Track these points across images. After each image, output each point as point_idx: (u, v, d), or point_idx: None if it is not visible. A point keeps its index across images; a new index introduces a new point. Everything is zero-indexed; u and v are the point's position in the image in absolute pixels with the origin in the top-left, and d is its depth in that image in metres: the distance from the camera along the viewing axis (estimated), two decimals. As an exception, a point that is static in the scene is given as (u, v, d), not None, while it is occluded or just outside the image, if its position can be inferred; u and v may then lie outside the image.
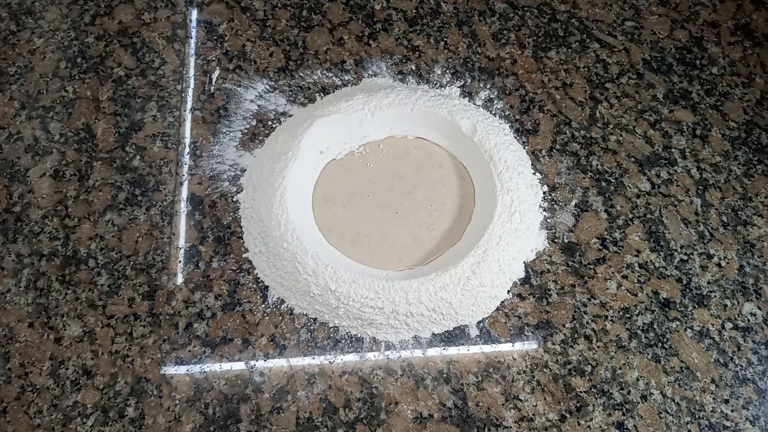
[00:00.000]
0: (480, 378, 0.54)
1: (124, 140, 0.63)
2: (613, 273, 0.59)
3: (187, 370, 0.53)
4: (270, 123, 0.64)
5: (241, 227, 0.59)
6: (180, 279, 0.56)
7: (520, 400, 0.53)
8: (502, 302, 0.57)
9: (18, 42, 0.68)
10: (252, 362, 0.53)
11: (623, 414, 0.53)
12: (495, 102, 0.66)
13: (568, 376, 0.54)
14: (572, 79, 0.69)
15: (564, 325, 0.56)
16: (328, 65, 0.67)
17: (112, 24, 0.69)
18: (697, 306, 0.58)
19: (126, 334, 0.54)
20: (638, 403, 0.54)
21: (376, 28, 0.70)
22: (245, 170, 0.61)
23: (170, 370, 0.53)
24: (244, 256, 0.57)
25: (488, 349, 0.55)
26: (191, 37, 0.69)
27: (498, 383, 0.53)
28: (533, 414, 0.53)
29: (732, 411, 0.54)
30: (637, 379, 0.54)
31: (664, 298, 0.58)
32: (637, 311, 0.57)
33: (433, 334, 0.55)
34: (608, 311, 0.57)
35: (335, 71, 0.67)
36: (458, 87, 0.67)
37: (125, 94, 0.65)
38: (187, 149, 0.62)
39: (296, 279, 0.54)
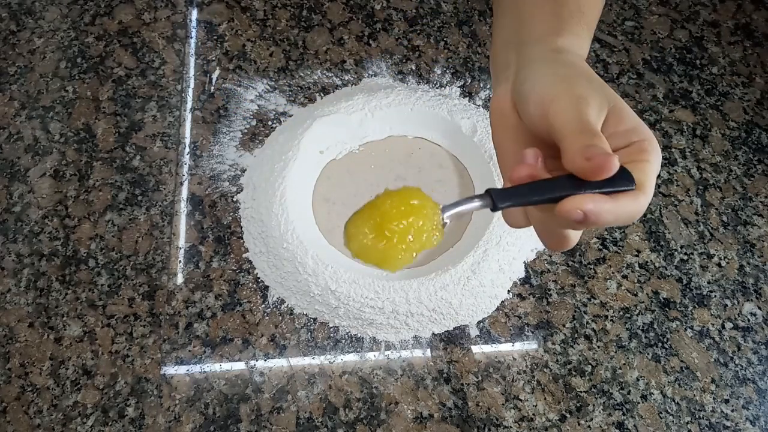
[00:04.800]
0: (480, 378, 0.54)
1: (124, 140, 0.63)
2: (613, 273, 0.59)
3: (187, 370, 0.53)
4: (270, 123, 0.64)
5: (241, 227, 0.58)
6: (180, 279, 0.56)
7: (520, 400, 0.53)
8: (502, 302, 0.57)
9: (18, 42, 0.68)
10: (252, 362, 0.53)
11: (623, 414, 0.53)
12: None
13: (568, 375, 0.54)
14: (572, 79, 0.69)
15: (564, 325, 0.56)
16: (328, 65, 0.67)
17: (112, 24, 0.69)
18: (697, 306, 0.58)
19: (126, 334, 0.54)
20: (638, 402, 0.54)
21: (376, 28, 0.70)
22: (245, 170, 0.61)
23: (170, 370, 0.53)
24: (244, 256, 0.57)
25: (488, 349, 0.55)
26: (191, 37, 0.69)
27: (498, 383, 0.53)
28: (533, 414, 0.52)
29: (732, 411, 0.54)
30: (637, 379, 0.54)
31: (664, 298, 0.58)
32: (637, 311, 0.57)
33: (434, 333, 0.55)
34: (608, 311, 0.57)
35: (335, 71, 0.67)
36: (458, 87, 0.67)
37: (125, 94, 0.65)
38: (187, 149, 0.62)
39: (296, 279, 0.54)
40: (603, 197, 0.27)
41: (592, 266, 0.59)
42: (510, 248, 0.56)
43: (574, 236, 0.31)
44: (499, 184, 0.58)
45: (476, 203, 0.29)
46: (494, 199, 0.28)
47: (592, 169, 0.27)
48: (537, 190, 0.28)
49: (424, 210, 0.31)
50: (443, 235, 0.31)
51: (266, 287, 0.56)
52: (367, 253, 0.31)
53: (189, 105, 0.65)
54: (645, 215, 0.62)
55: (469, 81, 0.67)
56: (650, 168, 0.29)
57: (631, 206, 0.28)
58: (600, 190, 0.28)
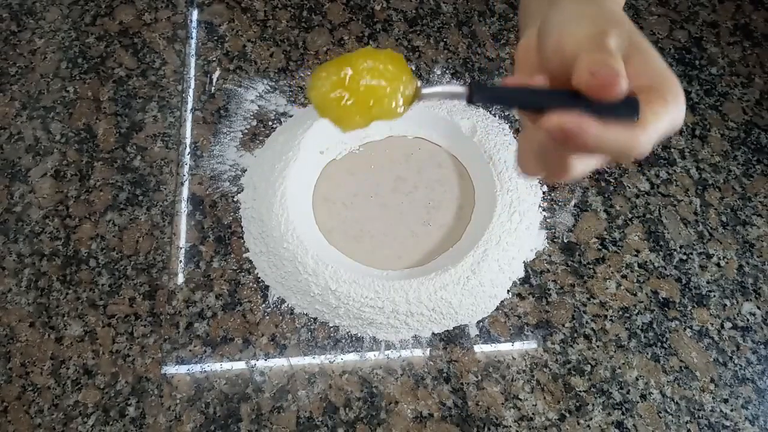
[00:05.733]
0: (480, 377, 0.54)
1: (125, 140, 0.63)
2: (612, 273, 0.59)
3: (188, 370, 0.53)
4: (270, 123, 0.64)
5: (242, 227, 0.59)
6: (181, 279, 0.57)
7: (520, 400, 0.53)
8: (502, 302, 0.57)
9: (19, 42, 0.68)
10: (252, 362, 0.53)
11: (623, 413, 0.53)
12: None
13: (567, 375, 0.54)
14: (572, 80, 0.69)
15: (563, 325, 0.56)
16: (328, 65, 0.68)
17: (113, 24, 0.70)
18: (696, 305, 0.58)
19: (127, 333, 0.54)
20: (637, 402, 0.54)
21: (376, 28, 0.70)
22: (246, 170, 0.61)
23: (171, 369, 0.53)
24: (244, 255, 0.58)
25: (488, 348, 0.55)
26: (192, 38, 0.69)
27: (498, 383, 0.54)
28: (533, 413, 0.53)
29: (731, 410, 0.54)
30: (637, 379, 0.55)
31: (663, 298, 0.58)
32: (637, 311, 0.57)
33: (433, 333, 0.55)
34: (608, 311, 0.57)
35: (335, 71, 0.67)
36: (458, 87, 0.67)
37: (126, 94, 0.66)
38: (188, 149, 0.63)
39: (297, 279, 0.54)
40: (591, 119, 0.25)
41: (591, 266, 0.59)
42: (509, 248, 0.56)
43: (577, 167, 0.28)
44: (498, 184, 0.58)
45: (455, 89, 0.28)
46: (473, 90, 0.27)
47: (597, 85, 0.25)
48: (523, 94, 0.27)
49: (398, 79, 0.29)
50: (407, 111, 0.30)
51: (266, 287, 0.56)
52: (325, 105, 0.30)
53: (189, 105, 0.65)
54: (644, 215, 0.62)
55: (469, 81, 0.67)
56: (661, 109, 0.26)
57: (623, 136, 0.25)
58: (598, 114, 0.25)
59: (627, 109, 0.25)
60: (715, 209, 0.63)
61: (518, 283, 0.58)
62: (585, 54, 0.26)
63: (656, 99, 0.27)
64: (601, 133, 0.25)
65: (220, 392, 0.52)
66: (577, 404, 0.53)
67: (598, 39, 0.26)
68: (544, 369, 0.54)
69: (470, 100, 0.27)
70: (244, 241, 0.58)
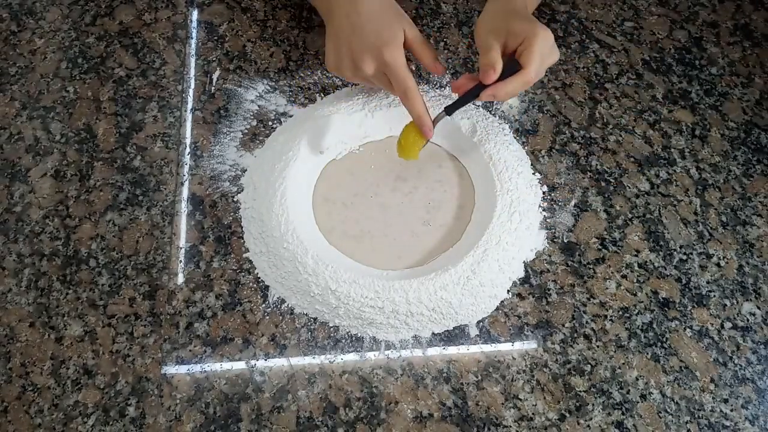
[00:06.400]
0: (480, 377, 0.54)
1: (125, 140, 0.63)
2: (612, 273, 0.59)
3: (188, 370, 0.53)
4: (270, 123, 0.64)
5: (242, 227, 0.59)
6: (181, 279, 0.57)
7: (520, 400, 0.53)
8: (502, 302, 0.57)
9: (19, 42, 0.68)
10: (252, 362, 0.53)
11: (623, 413, 0.53)
12: (495, 102, 0.67)
13: (567, 375, 0.54)
14: (572, 80, 0.69)
15: (563, 325, 0.56)
16: (328, 65, 0.68)
17: (113, 24, 0.70)
18: (696, 305, 0.58)
19: (127, 333, 0.54)
20: (637, 402, 0.54)
21: (376, 28, 0.70)
22: (246, 170, 0.62)
23: (171, 369, 0.53)
24: (244, 255, 0.58)
25: (488, 348, 0.55)
26: (192, 38, 0.69)
27: (498, 383, 0.54)
28: (533, 413, 0.53)
29: (731, 410, 0.54)
30: (637, 379, 0.55)
31: (663, 298, 0.58)
32: (637, 311, 0.57)
33: (433, 333, 0.55)
34: (608, 311, 0.57)
35: (335, 71, 0.67)
36: (458, 87, 0.67)
37: (126, 94, 0.66)
38: (188, 149, 0.63)
39: (296, 279, 0.54)
40: (499, 84, 0.51)
41: (591, 266, 0.59)
42: (509, 248, 0.56)
43: (510, 96, 0.53)
44: (498, 184, 0.58)
45: (441, 115, 0.56)
46: (447, 110, 0.55)
47: (483, 78, 0.51)
48: (467, 94, 0.53)
49: (418, 138, 0.56)
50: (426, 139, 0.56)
51: (266, 287, 0.56)
52: (403, 153, 0.57)
53: (189, 105, 0.65)
54: (644, 215, 0.62)
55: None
56: (532, 48, 0.50)
57: (517, 82, 0.50)
58: (507, 75, 0.51)
59: (512, 66, 0.51)
60: (715, 209, 0.63)
61: (518, 283, 0.58)
62: (480, 56, 0.52)
63: (528, 43, 0.50)
64: (504, 86, 0.51)
65: (220, 392, 0.52)
66: (577, 404, 0.53)
67: (486, 39, 0.52)
68: (544, 369, 0.54)
69: (448, 114, 0.56)
70: (244, 241, 0.58)
